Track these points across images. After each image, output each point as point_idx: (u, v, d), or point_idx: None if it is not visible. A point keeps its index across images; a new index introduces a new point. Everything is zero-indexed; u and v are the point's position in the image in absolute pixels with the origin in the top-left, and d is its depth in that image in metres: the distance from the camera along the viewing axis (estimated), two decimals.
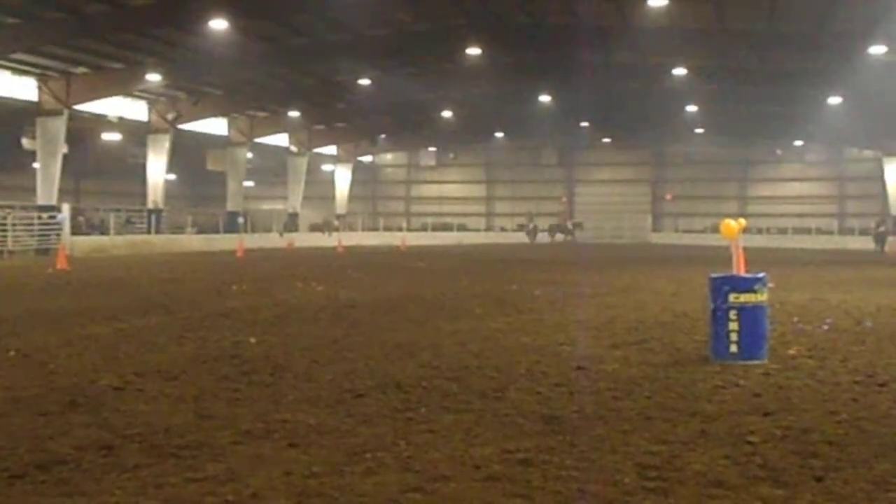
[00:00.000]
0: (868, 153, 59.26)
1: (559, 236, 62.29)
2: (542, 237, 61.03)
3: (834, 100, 41.84)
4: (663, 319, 12.99)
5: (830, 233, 59.42)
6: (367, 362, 9.03)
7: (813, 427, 6.30)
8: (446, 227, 66.86)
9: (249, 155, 54.79)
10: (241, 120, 51.68)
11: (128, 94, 42.29)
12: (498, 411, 6.79)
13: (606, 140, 66.06)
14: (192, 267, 28.35)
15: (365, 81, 41.37)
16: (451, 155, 71.05)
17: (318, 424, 6.35)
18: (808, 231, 59.33)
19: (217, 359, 9.27)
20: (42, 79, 37.78)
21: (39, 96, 37.91)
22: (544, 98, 46.21)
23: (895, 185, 52.81)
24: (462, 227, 67.44)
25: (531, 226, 62.37)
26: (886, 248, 48.02)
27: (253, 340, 10.59)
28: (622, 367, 8.85)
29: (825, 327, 12.04)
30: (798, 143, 61.46)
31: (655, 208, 68.73)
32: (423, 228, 66.37)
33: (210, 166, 55.06)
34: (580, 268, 27.79)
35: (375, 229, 64.81)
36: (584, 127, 59.09)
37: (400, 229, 62.15)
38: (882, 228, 51.22)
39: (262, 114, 51.92)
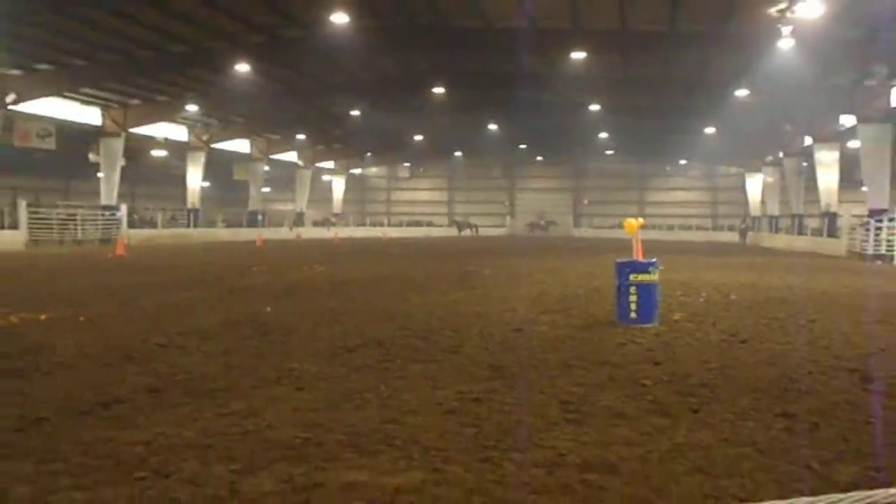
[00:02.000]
0: (734, 169, 60.06)
1: (537, 232, 62.63)
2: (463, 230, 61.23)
3: (709, 129, 42.35)
4: (581, 293, 13.09)
5: (706, 229, 60.19)
6: (357, 325, 9.00)
7: (691, 373, 6.39)
8: (418, 224, 66.78)
9: (266, 168, 54.21)
10: (259, 141, 51.08)
11: (172, 120, 41.63)
12: (456, 362, 6.80)
13: (539, 158, 66.25)
14: (222, 253, 28.09)
15: (356, 112, 41.11)
16: (421, 169, 70.87)
17: (319, 372, 6.33)
18: (689, 228, 60.02)
19: (240, 322, 9.19)
20: (105, 108, 37.07)
21: (103, 121, 37.21)
22: (492, 126, 46.26)
23: (754, 194, 53.61)
24: (430, 224, 67.39)
25: (463, 222, 62.71)
26: (747, 240, 48.80)
27: (268, 309, 10.51)
28: (550, 328, 8.90)
29: (701, 299, 12.19)
30: (683, 161, 62.11)
31: (576, 210, 69.13)
32: (400, 225, 66.23)
33: (236, 176, 54.40)
34: (520, 254, 27.91)
35: (364, 225, 64.54)
36: (523, 148, 59.24)
37: (382, 225, 61.90)
38: (744, 226, 52.09)
39: (276, 136, 51.37)
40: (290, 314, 10.03)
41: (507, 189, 70.81)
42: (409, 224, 66.35)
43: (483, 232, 62.21)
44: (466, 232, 60.70)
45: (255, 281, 15.30)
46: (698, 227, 60.48)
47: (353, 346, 7.54)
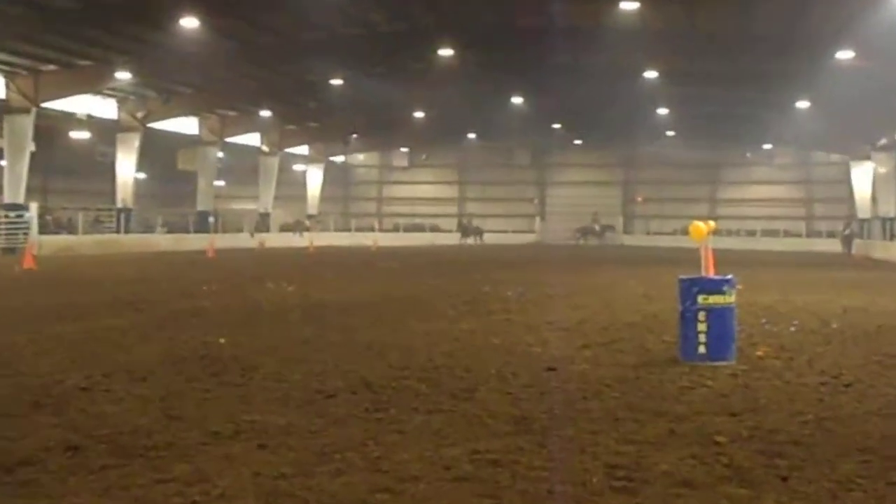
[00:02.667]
0: (835, 157, 59.91)
1: (591, 238, 62.58)
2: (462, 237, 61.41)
3: (802, 104, 42.24)
4: (633, 320, 13.06)
5: (798, 235, 60.04)
6: (338, 363, 9.00)
7: (779, 427, 6.36)
8: (418, 228, 66.80)
9: (220, 154, 54.37)
10: (211, 119, 51.29)
11: (97, 92, 41.85)
12: (468, 412, 6.79)
13: (578, 142, 66.25)
14: (162, 266, 28.13)
15: (337, 81, 41.21)
16: (424, 156, 71.01)
17: (288, 425, 6.32)
18: (776, 233, 59.89)
19: (186, 359, 9.21)
20: (9, 76, 37.31)
21: (7, 94, 37.43)
22: (516, 99, 46.28)
23: (862, 189, 53.36)
24: (434, 228, 67.39)
25: (469, 225, 62.56)
26: (853, 250, 48.59)
27: (222, 340, 10.53)
28: (592, 367, 8.88)
29: (792, 328, 12.15)
30: (767, 146, 61.98)
31: (626, 210, 69.08)
32: (395, 229, 66.30)
33: (180, 165, 54.59)
34: (552, 268, 27.86)
35: (347, 230, 64.61)
36: (556, 128, 59.21)
37: (372, 230, 62.08)
38: (848, 231, 51.82)
39: (232, 113, 51.59)
40: (250, 348, 10.03)
41: (536, 183, 70.91)
42: (408, 229, 66.44)
43: (502, 239, 62.25)
44: (469, 241, 60.75)
45: (204, 303, 15.33)
46: (787, 233, 60.39)
47: (332, 391, 7.54)
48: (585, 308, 14.95)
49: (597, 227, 64.31)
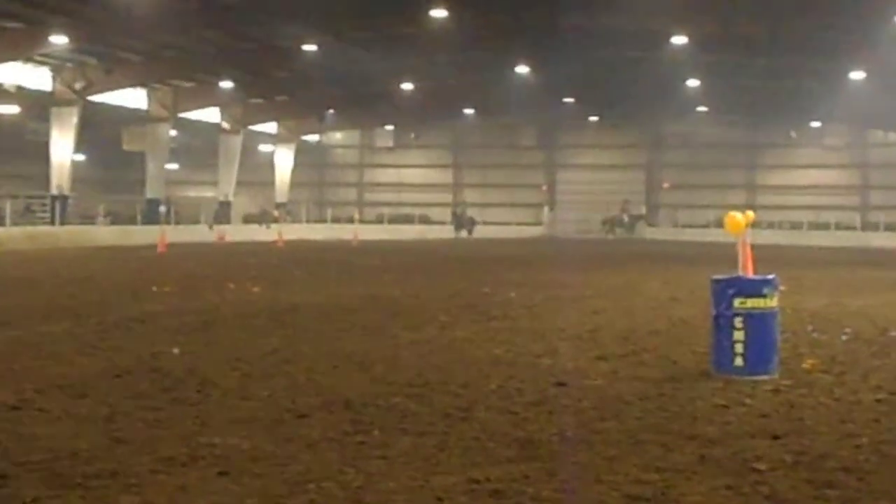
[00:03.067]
0: (894, 136, 60.07)
1: (620, 231, 62.42)
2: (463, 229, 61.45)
3: (856, 75, 42.33)
4: (658, 327, 13.07)
5: (852, 228, 60.16)
6: (311, 377, 9.00)
7: (829, 452, 6.38)
8: (406, 220, 66.84)
9: (173, 132, 54.27)
10: (163, 91, 51.20)
11: (28, 59, 41.73)
12: (464, 434, 6.80)
13: (594, 118, 66.31)
14: (105, 264, 28.07)
15: (311, 47, 41.15)
16: (412, 135, 70.97)
17: (253, 449, 6.32)
18: (825, 226, 59.98)
19: (133, 372, 9.19)
20: None
21: None
22: (522, 69, 46.27)
23: None
24: (425, 220, 67.43)
25: (463, 214, 62.36)
26: None
27: (176, 351, 10.52)
28: (609, 382, 8.89)
29: (844, 337, 12.18)
30: (815, 124, 62.09)
31: (651, 198, 69.16)
32: (379, 220, 66.23)
33: (126, 146, 54.48)
34: (563, 267, 27.86)
35: (322, 221, 64.56)
36: (569, 103, 59.28)
37: (351, 221, 62.01)
38: None
39: (188, 84, 51.47)
40: (209, 359, 10.02)
41: (545, 167, 70.95)
42: (394, 220, 66.46)
43: (505, 232, 62.30)
44: (463, 233, 60.74)
45: (155, 307, 15.32)
46: (839, 226, 60.52)
47: (305, 409, 7.54)
48: (602, 313, 14.96)
49: (626, 218, 64.02)
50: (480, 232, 61.66)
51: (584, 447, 6.46)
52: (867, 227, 60.99)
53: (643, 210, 66.61)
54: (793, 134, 64.68)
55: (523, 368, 9.61)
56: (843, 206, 63.92)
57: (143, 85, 49.79)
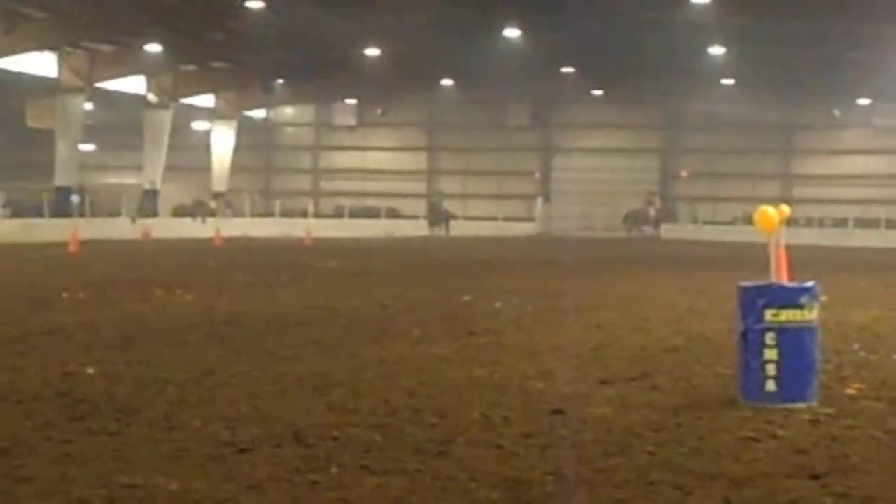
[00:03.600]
0: None
1: (646, 229, 62.00)
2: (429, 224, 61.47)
3: None
4: (674, 344, 13.10)
5: None
6: (255, 403, 8.97)
7: (878, 495, 6.40)
8: (371, 213, 66.79)
9: (89, 106, 54.11)
10: (76, 56, 50.97)
11: None
12: (440, 473, 6.79)
13: (598, 93, 66.47)
14: (4, 265, 27.90)
15: (256, 3, 41.10)
16: (379, 111, 71.01)
17: (184, 491, 6.29)
18: (875, 223, 60.28)
19: (38, 397, 9.14)
20: None
21: None
22: (511, 32, 46.36)
23: None
24: (393, 214, 67.40)
25: (442, 209, 62.16)
26: None
27: (91, 371, 10.46)
28: (615, 410, 8.89)
29: None
30: (863, 101, 62.50)
31: (666, 189, 69.39)
32: (338, 214, 66.23)
33: (31, 122, 54.26)
34: (560, 271, 27.89)
35: (270, 214, 64.51)
36: (568, 74, 59.37)
37: (304, 215, 61.97)
38: None
39: (106, 48, 51.29)
40: (130, 382, 9.98)
41: (539, 150, 71.07)
42: (356, 214, 66.42)
43: (490, 229, 62.31)
44: (437, 231, 60.68)
45: (65, 319, 15.24)
46: (890, 224, 60.82)
47: (247, 443, 7.52)
48: (607, 327, 14.98)
49: (652, 213, 63.71)
50: (461, 228, 61.70)
51: (585, 489, 6.46)
52: None
53: (668, 205, 66.74)
54: (836, 113, 65.08)
55: (512, 394, 9.59)
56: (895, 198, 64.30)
57: (51, 48, 49.53)
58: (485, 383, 10.16)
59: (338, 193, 71.38)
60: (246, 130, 67.03)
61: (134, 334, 13.59)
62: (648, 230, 62.64)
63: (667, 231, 64.07)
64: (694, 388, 10.02)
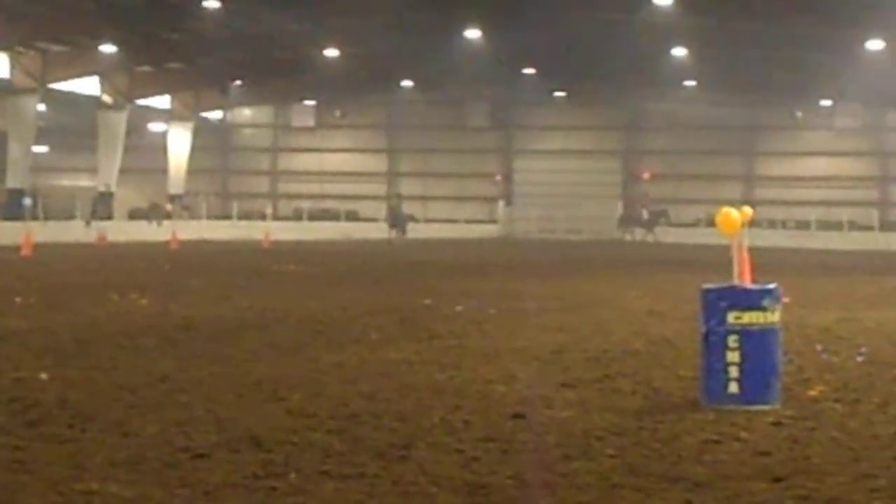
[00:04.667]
0: None
1: (638, 232, 60.84)
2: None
3: (874, 44, 42.95)
4: (636, 347, 13.15)
5: (869, 228, 60.93)
6: (211, 408, 8.93)
7: (840, 497, 6.44)
8: (330, 216, 66.73)
9: (41, 107, 53.68)
10: (29, 56, 50.62)
11: None
12: (400, 477, 6.78)
13: (560, 94, 66.63)
14: None
15: (213, 3, 40.97)
16: (338, 112, 70.94)
17: (140, 498, 6.26)
18: (837, 225, 60.73)
19: None
20: None
21: None
22: (472, 32, 46.40)
23: None
24: (352, 216, 67.34)
25: (400, 212, 61.48)
26: None
27: (44, 376, 10.39)
28: (577, 413, 8.91)
29: (859, 359, 12.31)
30: (825, 102, 62.95)
31: (628, 191, 69.61)
32: (297, 217, 66.10)
33: None
34: (521, 274, 27.92)
35: (227, 217, 64.28)
36: (528, 75, 59.49)
37: (263, 217, 61.83)
38: None
39: (60, 48, 50.96)
40: (84, 387, 9.91)
41: (500, 152, 71.17)
42: (315, 216, 66.31)
43: (451, 232, 62.33)
44: (396, 233, 60.27)
45: (18, 323, 15.14)
46: (853, 225, 61.31)
47: (204, 448, 7.48)
48: (568, 330, 15.01)
49: (645, 214, 63.00)
50: (421, 232, 61.47)
51: (546, 493, 6.47)
52: (887, 226, 61.81)
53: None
54: (798, 115, 65.51)
55: (472, 397, 9.61)
56: (859, 201, 64.81)
57: (3, 48, 49.15)
58: (445, 387, 10.16)
59: (296, 196, 71.19)
60: (203, 132, 66.76)
61: (88, 339, 13.52)
62: (640, 233, 61.39)
63: (629, 232, 64.02)
64: (656, 391, 10.06)
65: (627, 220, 62.95)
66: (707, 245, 39.34)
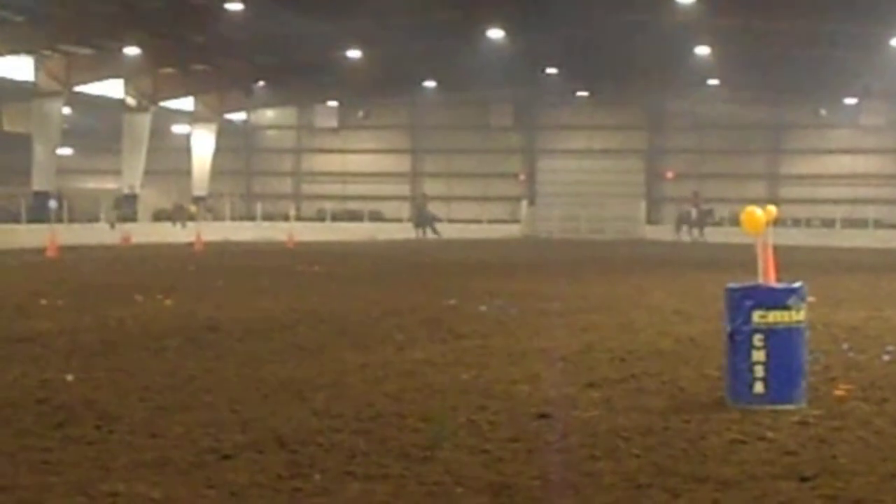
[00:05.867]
0: None
1: (695, 232, 58.65)
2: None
3: None
4: (661, 347, 13.11)
5: (894, 226, 60.61)
6: (237, 409, 8.96)
7: (867, 497, 6.42)
8: (354, 217, 66.75)
9: (67, 110, 53.90)
10: (54, 59, 50.81)
11: None
12: (425, 478, 6.79)
13: (583, 94, 66.53)
14: None
15: (235, 6, 41.06)
16: (361, 113, 70.91)
17: (166, 499, 6.28)
18: (863, 224, 60.46)
19: (16, 404, 9.11)
20: None
21: None
22: (495, 33, 46.36)
23: None
24: (376, 217, 67.37)
25: (426, 212, 61.14)
26: None
27: (70, 378, 10.43)
28: (603, 413, 8.90)
29: (886, 357, 12.25)
30: (850, 100, 62.63)
31: (652, 191, 69.44)
32: (321, 218, 66.09)
33: (7, 126, 54.06)
34: (546, 274, 27.88)
35: (251, 218, 64.38)
36: (552, 75, 59.41)
37: (286, 218, 61.86)
38: None
39: (85, 51, 51.14)
40: (110, 389, 9.95)
41: (523, 152, 71.09)
42: (338, 217, 66.34)
43: (475, 232, 62.30)
44: (421, 232, 59.96)
45: (44, 325, 15.19)
46: (879, 224, 61.01)
47: (230, 449, 7.50)
48: (594, 330, 14.98)
49: (693, 214, 61.36)
50: (445, 232, 61.50)
51: (571, 493, 6.46)
52: None
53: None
54: (823, 112, 65.17)
55: (497, 398, 9.60)
56: (884, 199, 64.48)
57: (28, 51, 49.36)
58: (470, 387, 10.16)
59: (320, 197, 71.16)
60: (226, 133, 66.88)
61: (114, 340, 13.55)
62: (694, 232, 58.74)
63: (652, 232, 63.66)
64: (681, 391, 10.04)
65: (683, 220, 61.00)
66: (731, 244, 39.20)
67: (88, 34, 48.36)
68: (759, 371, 9.06)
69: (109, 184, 61.08)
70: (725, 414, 8.84)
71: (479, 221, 65.39)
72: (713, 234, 56.46)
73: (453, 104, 67.66)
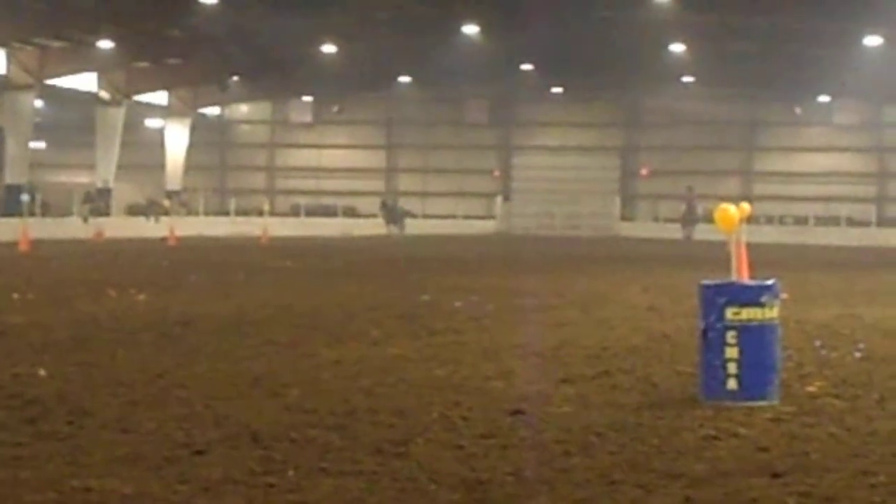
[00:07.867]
0: None
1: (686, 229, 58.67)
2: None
3: (873, 40, 42.93)
4: (635, 343, 13.14)
5: (867, 224, 60.89)
6: (210, 404, 8.93)
7: (839, 494, 6.44)
8: (328, 212, 66.63)
9: (39, 104, 53.61)
10: (26, 52, 50.54)
11: None
12: (399, 474, 6.78)
13: (558, 90, 66.62)
14: None
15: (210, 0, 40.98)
16: (336, 108, 70.85)
17: (138, 494, 6.26)
18: (836, 221, 60.74)
19: None
20: None
21: None
22: (470, 29, 46.36)
23: None
24: (350, 212, 67.31)
25: (396, 208, 60.94)
26: None
27: (42, 372, 10.38)
28: (576, 410, 8.92)
29: (858, 355, 12.32)
30: (824, 98, 62.95)
31: (626, 187, 69.62)
32: (294, 213, 66.04)
33: None
34: (520, 270, 27.92)
35: (224, 213, 64.26)
36: (527, 72, 59.44)
37: (260, 214, 61.71)
38: None
39: (57, 44, 50.89)
40: (82, 383, 9.92)
41: (498, 148, 71.14)
42: (312, 212, 66.22)
43: (449, 228, 62.32)
44: (393, 229, 60.00)
45: (16, 319, 15.13)
46: (851, 221, 61.28)
47: (202, 444, 7.48)
48: (568, 326, 15.02)
49: (692, 209, 60.19)
50: (420, 228, 61.46)
51: (545, 489, 6.46)
52: (885, 222, 61.81)
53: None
54: (797, 111, 65.48)
55: (471, 393, 9.60)
56: (857, 197, 64.82)
57: (0, 44, 49.06)
58: (444, 383, 10.16)
59: (294, 192, 71.15)
60: (200, 128, 66.72)
61: (86, 335, 13.51)
62: (691, 230, 57.90)
63: (626, 229, 63.75)
64: (655, 387, 10.06)
65: (687, 219, 59.72)
66: (705, 241, 39.33)
67: (61, 27, 48.13)
68: (733, 368, 9.08)
69: (82, 178, 60.85)
70: (698, 410, 8.85)
71: (454, 217, 65.44)
72: (674, 231, 56.68)
73: (428, 100, 67.69)
